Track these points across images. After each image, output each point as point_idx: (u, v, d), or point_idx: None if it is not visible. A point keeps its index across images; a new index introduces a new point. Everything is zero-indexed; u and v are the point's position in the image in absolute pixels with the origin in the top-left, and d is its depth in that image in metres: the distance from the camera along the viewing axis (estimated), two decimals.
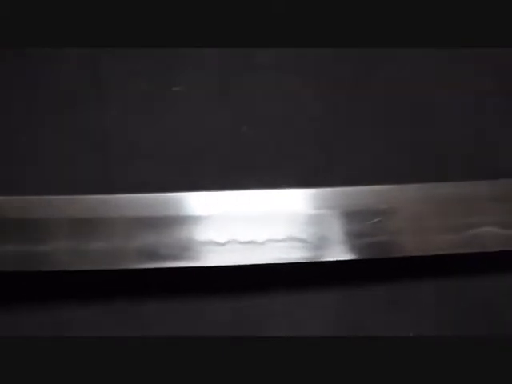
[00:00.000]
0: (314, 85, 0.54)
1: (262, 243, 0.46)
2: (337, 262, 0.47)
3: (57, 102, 0.52)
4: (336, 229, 0.47)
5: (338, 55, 0.55)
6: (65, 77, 0.53)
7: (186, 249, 0.46)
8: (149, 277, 0.48)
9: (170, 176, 0.52)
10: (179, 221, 0.46)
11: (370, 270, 0.50)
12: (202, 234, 0.46)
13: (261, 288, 0.50)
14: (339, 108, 0.54)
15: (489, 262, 0.50)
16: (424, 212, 0.48)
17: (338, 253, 0.47)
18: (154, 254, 0.46)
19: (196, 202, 0.47)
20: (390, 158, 0.53)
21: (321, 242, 0.47)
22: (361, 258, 0.47)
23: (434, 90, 0.54)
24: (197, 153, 0.52)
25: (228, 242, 0.46)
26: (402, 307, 0.50)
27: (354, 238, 0.47)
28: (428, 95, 0.54)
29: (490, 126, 0.54)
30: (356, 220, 0.47)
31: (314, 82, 0.54)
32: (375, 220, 0.47)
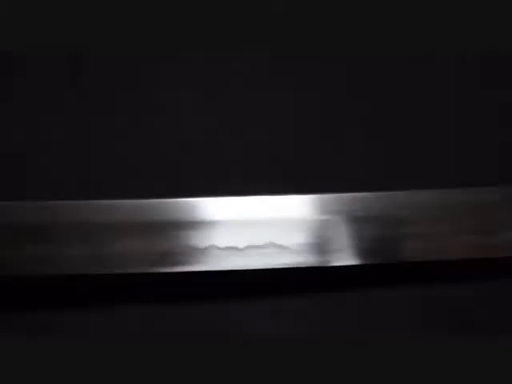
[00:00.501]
0: (305, 87, 0.54)
1: (243, 249, 0.47)
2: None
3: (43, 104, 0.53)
4: (342, 234, 0.47)
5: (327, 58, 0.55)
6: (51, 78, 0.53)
7: (196, 253, 0.46)
8: (131, 282, 0.49)
9: (156, 182, 0.52)
10: (192, 225, 0.47)
11: (351, 275, 0.50)
12: (206, 238, 0.47)
13: (248, 293, 0.51)
14: (333, 110, 0.54)
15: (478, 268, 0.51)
16: (430, 218, 0.48)
17: (342, 259, 0.47)
18: (137, 260, 0.46)
19: (211, 207, 0.47)
20: (380, 161, 0.53)
21: (322, 248, 0.47)
22: (354, 264, 0.47)
23: (427, 94, 0.55)
24: (185, 158, 0.52)
25: (209, 247, 0.47)
26: (382, 311, 0.51)
27: (356, 243, 0.47)
28: (420, 99, 0.55)
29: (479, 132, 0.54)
30: (353, 226, 0.47)
31: (304, 85, 0.55)
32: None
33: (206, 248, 0.46)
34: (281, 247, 0.47)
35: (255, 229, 0.47)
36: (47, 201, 0.46)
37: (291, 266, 0.47)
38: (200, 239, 0.46)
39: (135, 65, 0.54)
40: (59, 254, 0.46)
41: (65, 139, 0.52)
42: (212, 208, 0.47)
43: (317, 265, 0.47)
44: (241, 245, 0.47)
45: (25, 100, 0.52)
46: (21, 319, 0.49)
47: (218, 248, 0.46)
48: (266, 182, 0.51)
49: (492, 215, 0.48)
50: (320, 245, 0.47)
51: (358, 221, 0.47)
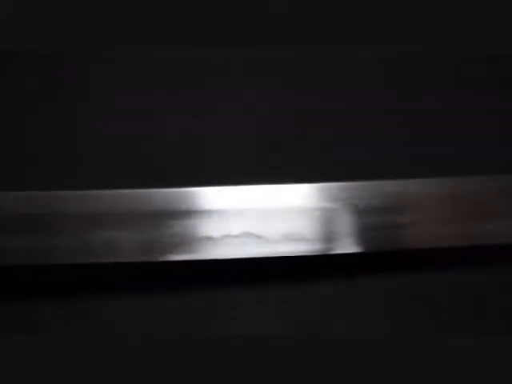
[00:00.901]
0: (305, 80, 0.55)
1: (220, 238, 0.47)
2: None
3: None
4: (342, 222, 0.47)
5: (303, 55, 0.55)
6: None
7: (185, 242, 0.46)
8: (112, 272, 0.49)
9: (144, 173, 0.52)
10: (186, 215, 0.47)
11: (353, 263, 0.50)
12: (195, 228, 0.47)
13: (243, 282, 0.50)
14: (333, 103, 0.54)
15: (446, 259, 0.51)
16: (430, 206, 0.48)
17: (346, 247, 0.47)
18: (119, 249, 0.46)
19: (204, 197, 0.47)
20: (352, 157, 0.53)
21: (323, 236, 0.47)
22: (358, 251, 0.47)
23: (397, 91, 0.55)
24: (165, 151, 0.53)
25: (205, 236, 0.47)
26: (352, 301, 0.51)
27: (358, 231, 0.47)
28: (391, 96, 0.55)
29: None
30: (355, 215, 0.47)
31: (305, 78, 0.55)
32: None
33: (205, 237, 0.46)
34: (279, 236, 0.47)
35: (248, 217, 0.47)
36: (36, 191, 0.46)
37: (294, 255, 0.47)
38: (194, 228, 0.46)
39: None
40: (50, 243, 0.46)
41: (55, 129, 0.53)
42: (208, 197, 0.47)
43: (318, 253, 0.47)
44: (235, 233, 0.47)
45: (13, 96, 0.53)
46: (5, 310, 0.49)
47: (212, 237, 0.47)
48: (262, 173, 0.51)
49: (493, 203, 0.49)
50: (321, 233, 0.47)
51: (358, 209, 0.47)
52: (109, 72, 0.54)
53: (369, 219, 0.47)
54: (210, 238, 0.46)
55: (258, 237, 0.47)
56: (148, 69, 0.54)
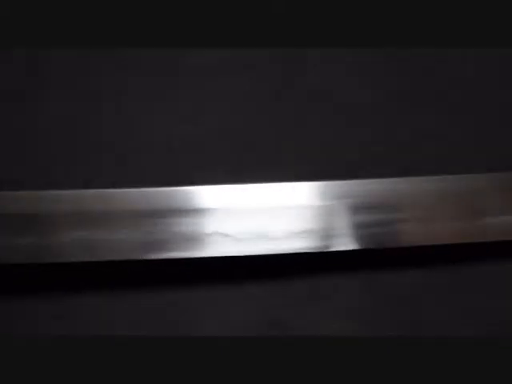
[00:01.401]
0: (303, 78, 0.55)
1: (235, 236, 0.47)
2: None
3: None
4: (343, 220, 0.47)
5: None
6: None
7: (192, 239, 0.46)
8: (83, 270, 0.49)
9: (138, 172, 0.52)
10: (188, 213, 0.47)
11: (352, 260, 0.50)
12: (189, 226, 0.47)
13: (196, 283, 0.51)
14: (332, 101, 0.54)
15: (417, 256, 0.50)
16: (428, 204, 0.48)
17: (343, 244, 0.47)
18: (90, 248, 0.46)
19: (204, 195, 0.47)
20: (323, 158, 0.53)
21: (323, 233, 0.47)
22: (356, 248, 0.47)
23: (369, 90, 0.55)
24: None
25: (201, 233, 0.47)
26: (325, 301, 0.50)
27: (356, 229, 0.47)
28: (363, 95, 0.55)
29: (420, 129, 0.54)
30: (355, 212, 0.47)
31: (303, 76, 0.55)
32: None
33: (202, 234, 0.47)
34: (278, 234, 0.47)
35: (247, 216, 0.47)
36: (28, 191, 0.47)
37: (293, 252, 0.47)
38: (193, 226, 0.47)
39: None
40: (55, 242, 0.46)
41: (53, 128, 0.53)
42: (203, 196, 0.47)
43: (317, 250, 0.47)
44: (236, 230, 0.47)
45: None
46: None
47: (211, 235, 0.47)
48: (262, 172, 0.51)
49: (490, 200, 0.49)
50: (319, 231, 0.47)
51: (357, 207, 0.47)
52: (108, 72, 0.54)
53: (367, 217, 0.47)
54: (208, 237, 0.47)
55: (256, 235, 0.47)
56: (148, 69, 0.54)
